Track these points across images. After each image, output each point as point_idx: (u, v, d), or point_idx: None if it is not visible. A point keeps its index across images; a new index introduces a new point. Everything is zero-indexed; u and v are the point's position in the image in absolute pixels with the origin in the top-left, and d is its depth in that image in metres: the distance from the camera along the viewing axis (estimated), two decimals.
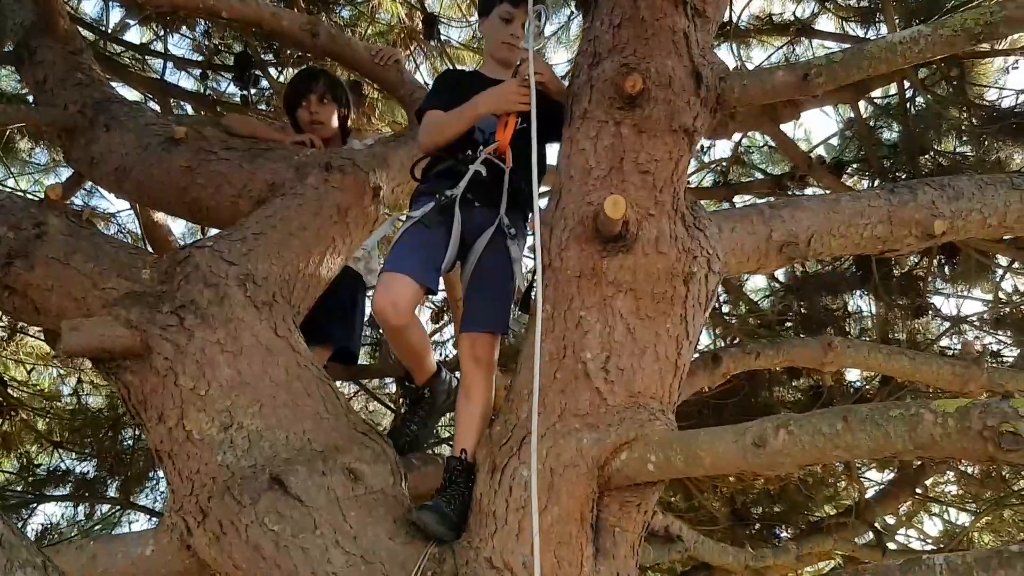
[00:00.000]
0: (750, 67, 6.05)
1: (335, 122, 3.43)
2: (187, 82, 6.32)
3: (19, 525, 3.74)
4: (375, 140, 3.42)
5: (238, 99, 5.89)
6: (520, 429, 2.17)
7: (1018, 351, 5.74)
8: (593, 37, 2.26)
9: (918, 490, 6.16)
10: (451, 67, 3.24)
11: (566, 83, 2.59)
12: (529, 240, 2.78)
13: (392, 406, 6.19)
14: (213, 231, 3.33)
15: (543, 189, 3.07)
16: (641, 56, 2.15)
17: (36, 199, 2.86)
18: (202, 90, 5.98)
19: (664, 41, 2.16)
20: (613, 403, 2.11)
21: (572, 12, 6.19)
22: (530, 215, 2.68)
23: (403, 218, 2.71)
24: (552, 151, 2.75)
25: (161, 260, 2.60)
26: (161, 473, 5.98)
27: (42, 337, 5.67)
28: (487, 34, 2.91)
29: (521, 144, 2.50)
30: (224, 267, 2.51)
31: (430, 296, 2.63)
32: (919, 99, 5.15)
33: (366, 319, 3.70)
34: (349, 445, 2.32)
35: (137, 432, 5.78)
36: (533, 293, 2.27)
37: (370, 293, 3.31)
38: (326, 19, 5.39)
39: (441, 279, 2.79)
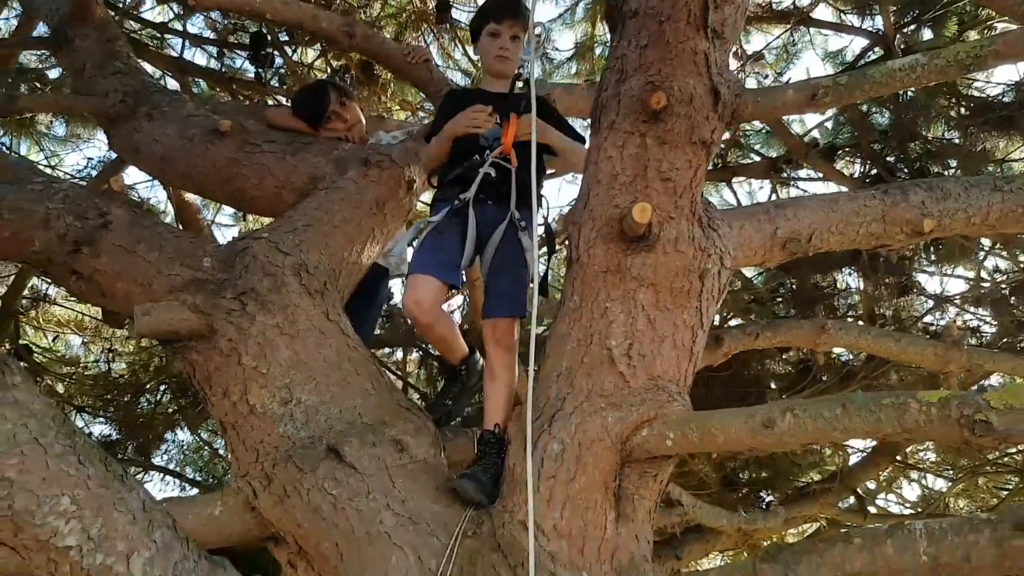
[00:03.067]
0: (749, 51, 6.30)
1: (361, 115, 3.67)
2: (201, 58, 6.49)
3: None
4: (403, 133, 3.65)
5: (252, 76, 6.08)
6: (549, 407, 2.44)
7: (997, 328, 6.04)
8: (620, 55, 2.49)
9: (898, 457, 6.48)
10: (455, 88, 3.51)
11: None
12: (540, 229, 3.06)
13: (398, 373, 6.48)
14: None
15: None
16: (665, 75, 2.39)
17: (99, 189, 3.06)
18: (218, 68, 6.16)
19: (686, 62, 2.39)
20: (635, 385, 2.38)
21: None
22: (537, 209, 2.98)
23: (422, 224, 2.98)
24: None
25: (220, 249, 2.84)
26: (181, 436, 6.27)
27: (67, 306, 5.91)
28: (482, 53, 3.20)
29: (521, 147, 2.84)
30: (280, 257, 2.76)
31: (453, 291, 2.91)
32: (910, 89, 5.39)
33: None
34: (395, 419, 2.59)
35: (156, 398, 6.05)
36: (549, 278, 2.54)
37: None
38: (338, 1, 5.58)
39: (464, 274, 3.07)
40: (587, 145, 2.79)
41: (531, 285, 2.87)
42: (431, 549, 2.25)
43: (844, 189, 5.59)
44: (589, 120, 2.76)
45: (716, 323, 5.96)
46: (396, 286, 4.32)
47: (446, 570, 2.24)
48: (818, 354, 4.51)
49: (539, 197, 2.85)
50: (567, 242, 2.56)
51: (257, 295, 2.65)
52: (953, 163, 5.61)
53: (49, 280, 3.86)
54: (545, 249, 2.97)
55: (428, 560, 2.25)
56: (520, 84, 3.13)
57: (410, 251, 3.18)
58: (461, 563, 2.27)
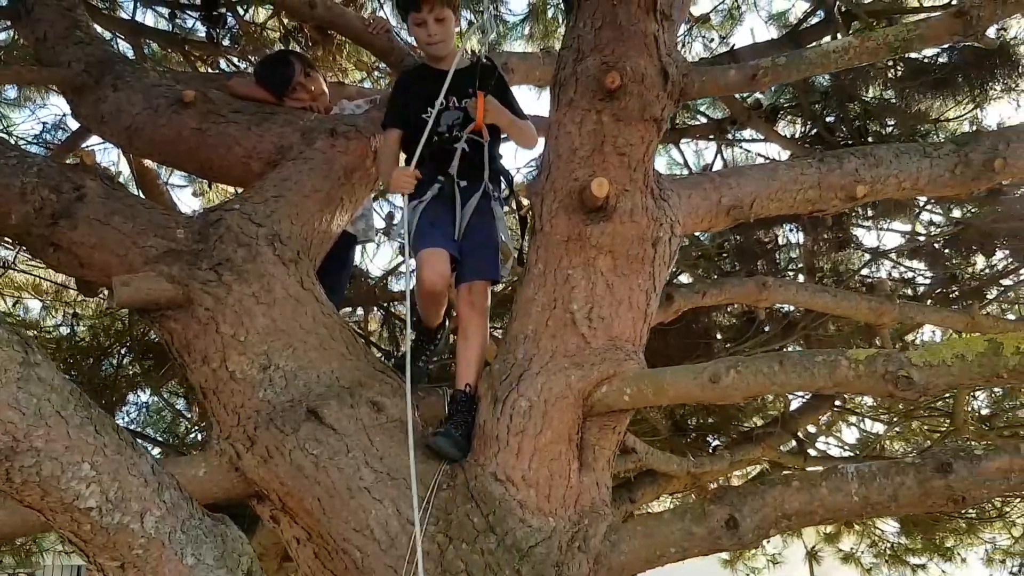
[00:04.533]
0: (696, 12, 6.44)
1: (325, 86, 3.76)
2: (151, 19, 6.42)
3: None
4: (367, 102, 3.75)
5: (204, 37, 6.06)
6: (517, 368, 2.63)
7: (931, 279, 6.35)
8: (577, 36, 2.63)
9: (837, 403, 6.82)
10: (407, 68, 3.62)
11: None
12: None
13: (360, 332, 6.60)
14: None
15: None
16: (619, 56, 2.54)
17: (65, 162, 3.12)
18: (170, 29, 6.11)
19: (638, 43, 2.54)
20: (595, 345, 2.58)
21: None
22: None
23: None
24: None
25: (192, 220, 2.94)
26: (143, 397, 6.34)
27: (24, 270, 5.91)
28: (415, 41, 3.33)
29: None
30: (253, 228, 2.87)
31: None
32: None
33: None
34: (371, 381, 2.75)
35: (117, 361, 6.10)
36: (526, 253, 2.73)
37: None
38: None
39: None
40: (531, 121, 3.10)
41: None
42: (409, 501, 2.43)
43: (784, 152, 5.82)
44: (548, 90, 2.91)
45: (667, 279, 6.18)
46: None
47: (423, 520, 2.43)
48: (759, 309, 4.76)
49: (503, 171, 3.03)
50: (531, 212, 2.72)
51: (232, 265, 2.77)
52: (891, 123, 5.85)
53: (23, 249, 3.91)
54: (518, 221, 3.14)
55: (406, 511, 2.44)
56: (476, 56, 3.24)
57: (379, 220, 3.32)
58: (437, 513, 2.46)
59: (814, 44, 5.38)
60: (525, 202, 3.22)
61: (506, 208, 3.23)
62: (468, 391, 2.78)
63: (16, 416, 1.48)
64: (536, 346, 2.60)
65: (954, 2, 4.20)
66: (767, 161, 5.32)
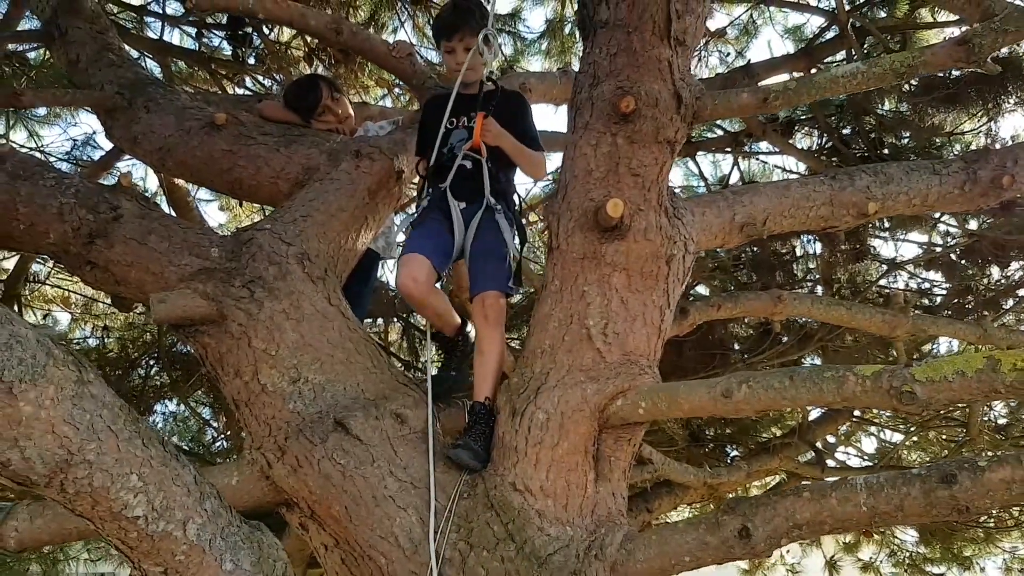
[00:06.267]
0: (713, 27, 6.53)
1: (351, 108, 3.89)
2: (177, 38, 6.59)
3: None
4: (390, 123, 3.88)
5: (230, 55, 6.22)
6: (534, 381, 2.73)
7: (947, 291, 6.39)
8: (592, 61, 2.74)
9: (856, 413, 6.86)
10: (435, 92, 3.77)
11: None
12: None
13: (380, 342, 6.72)
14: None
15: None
16: (633, 81, 2.64)
17: (108, 185, 3.26)
18: (197, 48, 6.28)
19: (652, 68, 2.65)
20: (611, 360, 2.67)
21: None
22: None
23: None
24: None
25: (225, 239, 3.07)
26: (171, 407, 6.49)
27: (53, 284, 6.09)
28: (444, 64, 3.48)
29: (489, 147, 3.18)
30: (283, 247, 2.99)
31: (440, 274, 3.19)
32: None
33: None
34: (395, 394, 2.86)
35: (145, 371, 6.25)
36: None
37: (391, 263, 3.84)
38: None
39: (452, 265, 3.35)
40: (544, 153, 3.29)
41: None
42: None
43: (801, 164, 5.89)
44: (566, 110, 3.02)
45: (683, 290, 6.25)
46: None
47: (445, 528, 2.54)
48: (775, 322, 4.83)
49: (511, 192, 3.16)
50: (547, 231, 2.83)
51: (264, 282, 2.89)
52: (906, 135, 5.91)
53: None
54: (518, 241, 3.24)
55: (429, 519, 2.54)
56: (488, 83, 3.36)
57: (400, 237, 3.44)
58: (458, 521, 2.56)
59: (825, 66, 5.47)
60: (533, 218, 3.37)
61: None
62: (487, 403, 2.88)
63: (71, 431, 1.59)
64: (553, 360, 2.69)
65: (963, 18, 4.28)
66: (784, 173, 5.39)
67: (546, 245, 3.03)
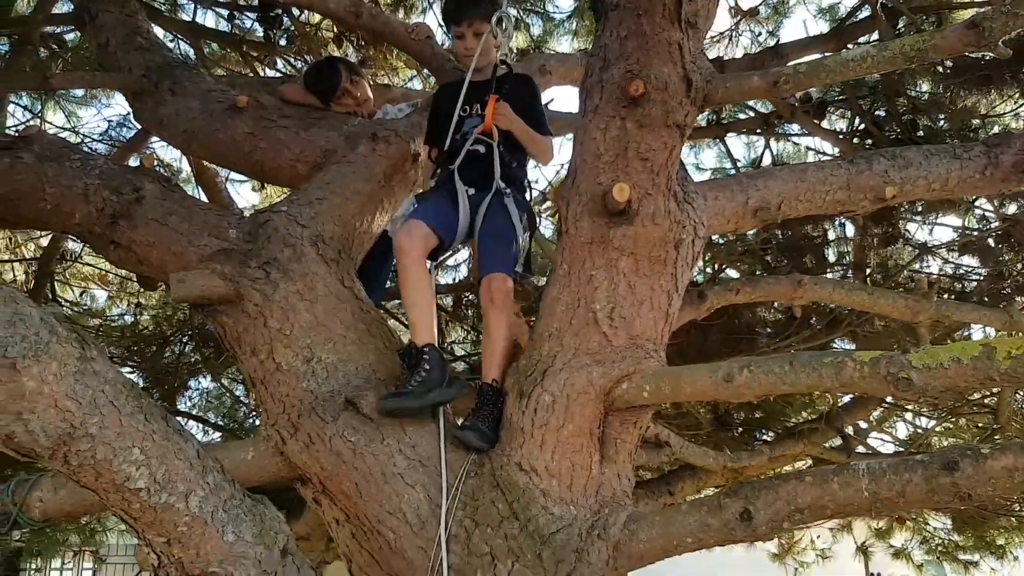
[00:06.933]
0: (745, 6, 6.45)
1: (369, 91, 3.93)
2: (211, 19, 6.68)
3: None
4: (409, 106, 3.91)
5: (261, 37, 6.30)
6: (541, 364, 2.76)
7: (984, 275, 6.26)
8: (603, 45, 2.74)
9: (888, 399, 6.77)
10: (447, 79, 3.77)
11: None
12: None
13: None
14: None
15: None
16: (643, 64, 2.64)
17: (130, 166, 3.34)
18: (229, 29, 6.37)
19: (662, 52, 2.64)
20: (617, 344, 2.69)
21: None
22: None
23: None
24: None
25: (244, 221, 3.13)
26: (204, 383, 6.63)
27: (89, 262, 6.24)
28: (454, 49, 3.48)
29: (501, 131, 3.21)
30: (299, 229, 3.05)
31: (442, 251, 3.14)
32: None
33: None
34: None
35: (180, 348, 6.40)
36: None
37: None
38: None
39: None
40: (551, 137, 3.33)
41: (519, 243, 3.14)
42: (438, 487, 2.59)
43: (835, 148, 5.82)
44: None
45: (708, 275, 6.23)
46: None
47: (452, 505, 2.59)
48: (796, 307, 4.80)
49: (522, 178, 3.18)
50: (557, 215, 2.85)
51: (279, 264, 2.95)
52: (941, 118, 5.80)
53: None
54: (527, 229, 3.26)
55: (436, 496, 2.60)
56: (501, 66, 3.36)
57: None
58: (465, 499, 2.61)
59: (844, 49, 5.38)
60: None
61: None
62: (495, 385, 2.92)
63: (73, 405, 1.66)
64: (560, 344, 2.72)
65: None
66: (818, 155, 5.33)
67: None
